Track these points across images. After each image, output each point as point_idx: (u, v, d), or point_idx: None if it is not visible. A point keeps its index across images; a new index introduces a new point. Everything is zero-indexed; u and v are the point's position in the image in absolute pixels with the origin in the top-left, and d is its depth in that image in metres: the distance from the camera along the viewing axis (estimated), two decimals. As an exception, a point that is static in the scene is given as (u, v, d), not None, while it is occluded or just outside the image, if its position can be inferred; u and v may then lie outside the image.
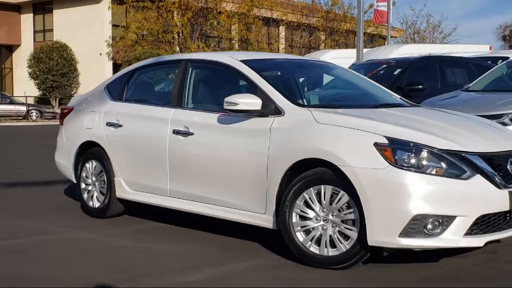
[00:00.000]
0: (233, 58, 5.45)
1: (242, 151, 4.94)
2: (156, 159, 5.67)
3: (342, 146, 4.35)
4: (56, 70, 37.87)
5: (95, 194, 6.40)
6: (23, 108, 26.09)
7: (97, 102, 6.55)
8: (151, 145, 5.72)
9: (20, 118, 25.74)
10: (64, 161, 6.85)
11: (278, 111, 4.83)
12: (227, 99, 4.89)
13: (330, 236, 4.42)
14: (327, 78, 6.38)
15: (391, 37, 40.34)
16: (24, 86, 41.43)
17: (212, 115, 5.27)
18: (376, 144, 4.23)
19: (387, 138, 4.24)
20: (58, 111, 28.98)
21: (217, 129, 5.18)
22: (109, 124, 6.20)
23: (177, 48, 40.58)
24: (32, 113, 26.19)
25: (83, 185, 6.55)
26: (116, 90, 6.45)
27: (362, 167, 4.20)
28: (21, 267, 4.64)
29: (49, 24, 42.97)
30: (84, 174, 6.52)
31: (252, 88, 5.11)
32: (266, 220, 4.81)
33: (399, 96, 5.88)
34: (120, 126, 6.09)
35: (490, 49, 19.26)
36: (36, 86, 39.02)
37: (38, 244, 5.35)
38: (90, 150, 6.48)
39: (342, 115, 4.67)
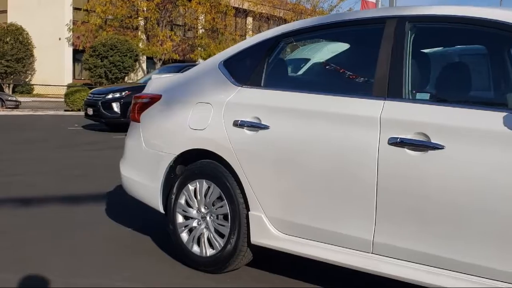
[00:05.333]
0: None
1: None
2: (348, 188, 3.31)
3: None
4: (10, 55, 34.85)
5: (206, 234, 4.00)
6: (-18, 96, 22.99)
7: (209, 88, 4.11)
8: (338, 162, 3.35)
9: (-21, 107, 22.63)
10: (143, 178, 4.38)
11: None
12: None
13: None
14: None
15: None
16: (-27, 71, 37.99)
17: (488, 114, 2.94)
18: None
19: None
20: (22, 99, 25.77)
21: (503, 140, 2.85)
22: (239, 124, 3.79)
23: (144, 36, 38.01)
24: (-8, 101, 23.06)
25: (180, 219, 4.14)
26: (245, 70, 4.00)
27: None
28: None
29: (2, 5, 39.83)
30: (183, 202, 4.11)
31: None
32: None
33: None
34: (263, 128, 3.68)
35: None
36: (-12, 72, 35.70)
37: None
38: (196, 164, 4.07)
39: None
